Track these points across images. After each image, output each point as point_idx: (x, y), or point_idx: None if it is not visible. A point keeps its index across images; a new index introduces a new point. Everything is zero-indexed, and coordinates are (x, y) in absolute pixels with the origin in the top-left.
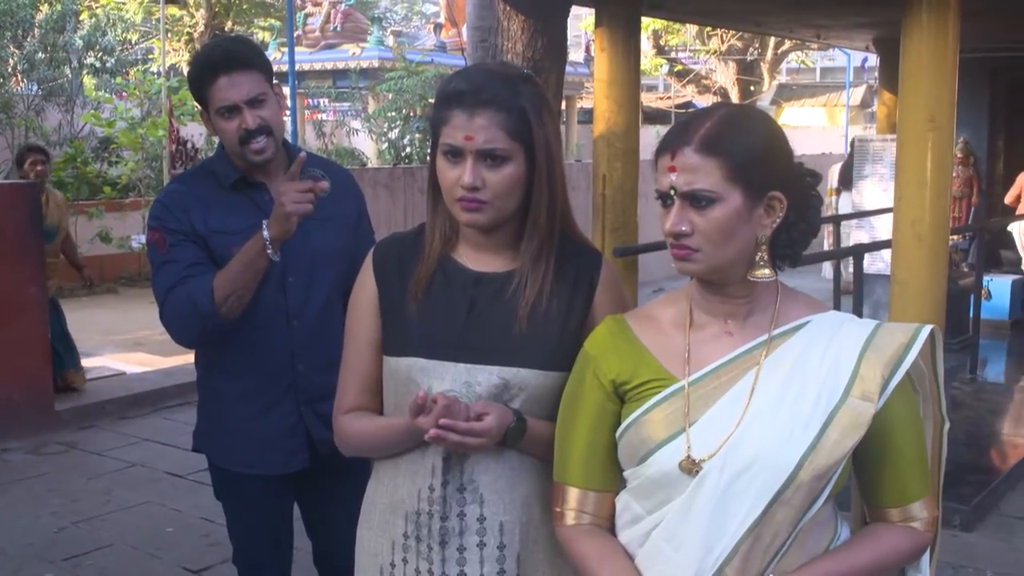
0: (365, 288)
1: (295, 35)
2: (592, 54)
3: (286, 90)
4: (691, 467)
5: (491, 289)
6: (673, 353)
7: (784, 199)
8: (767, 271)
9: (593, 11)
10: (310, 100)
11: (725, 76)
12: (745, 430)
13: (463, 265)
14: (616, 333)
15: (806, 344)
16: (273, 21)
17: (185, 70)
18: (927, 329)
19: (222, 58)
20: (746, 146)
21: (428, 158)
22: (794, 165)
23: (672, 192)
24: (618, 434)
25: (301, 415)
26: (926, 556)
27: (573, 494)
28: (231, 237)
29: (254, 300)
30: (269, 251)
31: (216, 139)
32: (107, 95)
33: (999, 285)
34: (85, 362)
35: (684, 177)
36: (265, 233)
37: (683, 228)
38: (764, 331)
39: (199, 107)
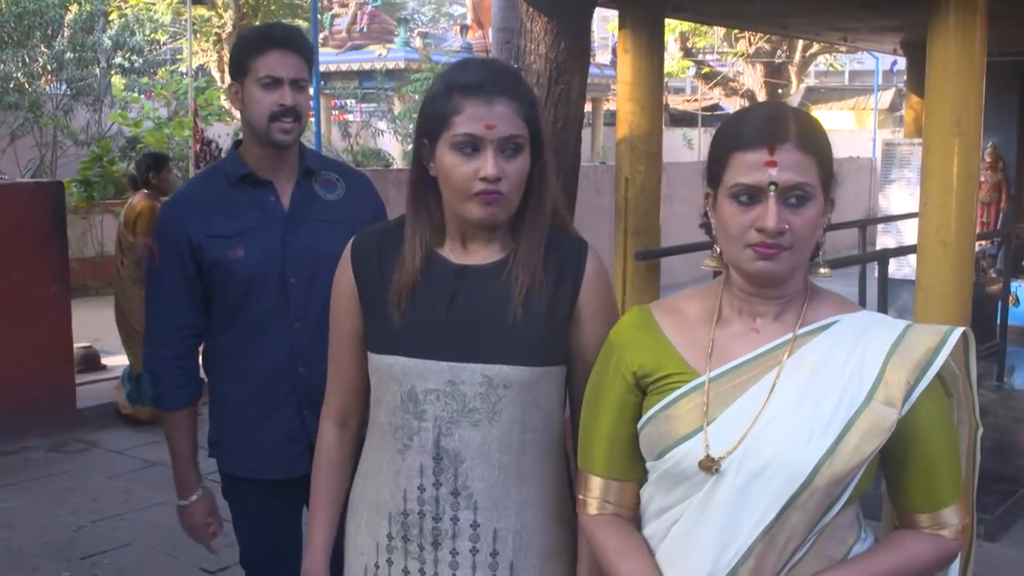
0: (343, 283)
1: (322, 36)
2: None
3: (311, 90)
4: (711, 465)
5: (473, 282)
6: (697, 347)
7: (834, 203)
8: (825, 269)
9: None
10: (336, 101)
11: (753, 79)
12: (763, 430)
13: (445, 258)
14: (641, 324)
15: (831, 345)
16: (300, 22)
17: (213, 71)
18: (958, 332)
19: (282, 34)
20: (827, 146)
21: (412, 160)
22: None
23: (772, 187)
24: (639, 426)
25: (304, 419)
26: (955, 565)
27: (596, 483)
28: (228, 240)
29: (255, 302)
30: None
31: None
32: (135, 95)
33: None
34: (107, 360)
35: (787, 173)
36: (182, 502)
37: (786, 225)
38: (790, 330)
39: (232, 82)
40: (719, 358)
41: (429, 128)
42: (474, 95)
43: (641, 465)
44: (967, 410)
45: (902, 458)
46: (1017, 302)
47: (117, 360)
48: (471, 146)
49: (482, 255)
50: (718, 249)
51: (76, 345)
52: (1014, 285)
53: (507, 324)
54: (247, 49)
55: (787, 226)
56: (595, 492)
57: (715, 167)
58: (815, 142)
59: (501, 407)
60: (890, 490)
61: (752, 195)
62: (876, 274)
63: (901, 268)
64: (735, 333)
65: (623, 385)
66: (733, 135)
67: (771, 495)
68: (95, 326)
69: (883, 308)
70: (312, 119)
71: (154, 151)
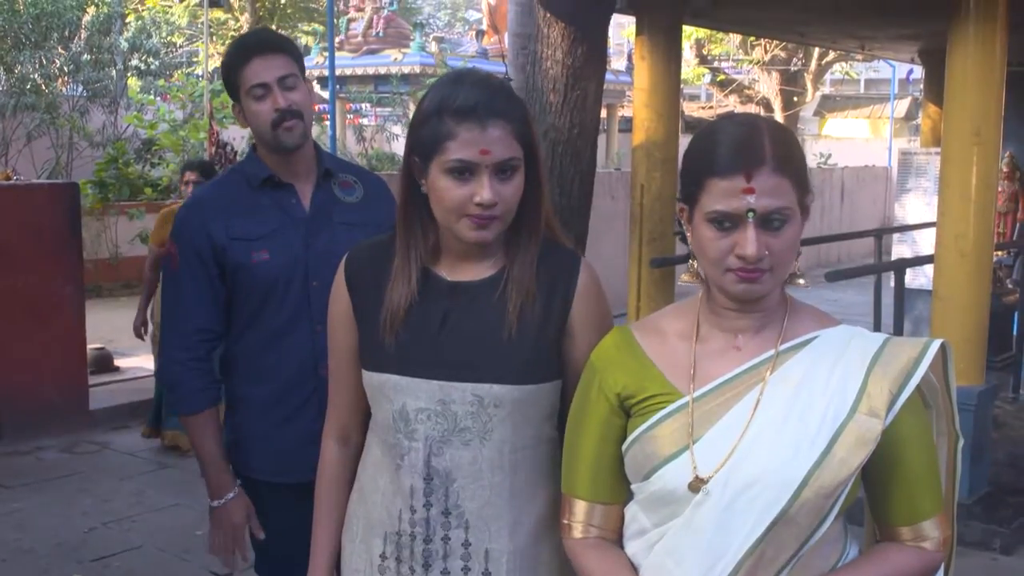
0: (339, 301)
1: (338, 40)
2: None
3: (326, 94)
4: (699, 485)
5: (466, 299)
6: (679, 366)
7: (808, 210)
8: (802, 280)
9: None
10: (352, 105)
11: (768, 86)
12: (749, 447)
13: (438, 275)
14: (622, 346)
15: (813, 360)
16: (317, 26)
17: None
18: (937, 343)
19: (256, 42)
20: (802, 161)
21: (402, 175)
22: None
23: (750, 215)
24: (624, 448)
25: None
26: None
27: (581, 507)
28: (252, 243)
29: (279, 305)
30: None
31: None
32: (150, 97)
33: None
34: (120, 362)
35: (765, 199)
36: (217, 503)
37: (766, 252)
38: (771, 346)
39: (233, 102)
40: (702, 377)
41: (421, 149)
42: (467, 119)
43: (626, 487)
44: (946, 421)
45: (883, 471)
46: None
47: (130, 362)
48: (465, 171)
49: (476, 271)
50: (695, 264)
51: (89, 347)
52: None
53: (499, 343)
54: (231, 65)
55: (767, 252)
56: (579, 516)
57: (690, 188)
58: (791, 161)
59: (492, 426)
60: (871, 503)
61: (731, 221)
62: (892, 284)
63: (917, 278)
64: (716, 350)
65: (606, 407)
66: (707, 159)
67: (759, 511)
68: (108, 328)
69: (899, 318)
70: (328, 123)
71: (197, 160)
